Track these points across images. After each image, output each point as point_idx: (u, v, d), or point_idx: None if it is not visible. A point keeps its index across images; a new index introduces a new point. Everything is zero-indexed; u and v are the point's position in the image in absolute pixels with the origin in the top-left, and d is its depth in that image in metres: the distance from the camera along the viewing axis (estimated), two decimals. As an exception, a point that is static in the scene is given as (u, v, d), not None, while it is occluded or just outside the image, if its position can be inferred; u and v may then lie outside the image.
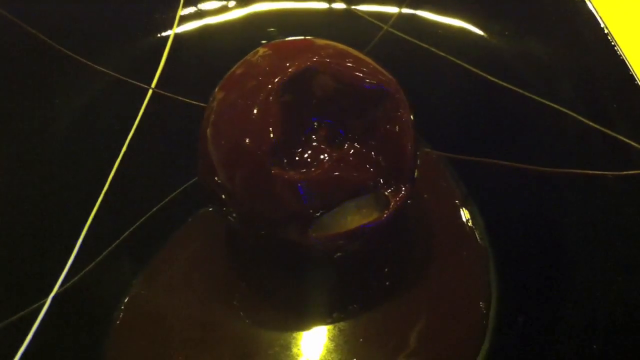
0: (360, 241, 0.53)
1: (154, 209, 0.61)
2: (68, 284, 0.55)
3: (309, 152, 0.50)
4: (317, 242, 0.50)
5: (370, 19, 0.68)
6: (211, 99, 0.52)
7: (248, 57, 0.53)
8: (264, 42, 0.56)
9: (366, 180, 0.50)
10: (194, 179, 0.61)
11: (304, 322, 0.56)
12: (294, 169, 0.49)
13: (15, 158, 0.59)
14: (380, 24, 0.67)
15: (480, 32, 0.65)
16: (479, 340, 0.54)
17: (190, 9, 0.69)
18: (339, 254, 0.55)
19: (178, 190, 0.62)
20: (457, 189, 0.62)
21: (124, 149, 0.62)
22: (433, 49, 0.65)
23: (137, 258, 0.59)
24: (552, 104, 0.59)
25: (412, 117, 0.52)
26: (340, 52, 0.52)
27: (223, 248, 0.60)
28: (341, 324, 0.56)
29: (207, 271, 0.59)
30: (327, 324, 0.56)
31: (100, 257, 0.58)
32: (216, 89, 0.52)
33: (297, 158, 0.50)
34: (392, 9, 0.68)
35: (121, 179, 0.61)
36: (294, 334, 0.55)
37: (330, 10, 0.69)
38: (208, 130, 0.51)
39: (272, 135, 0.47)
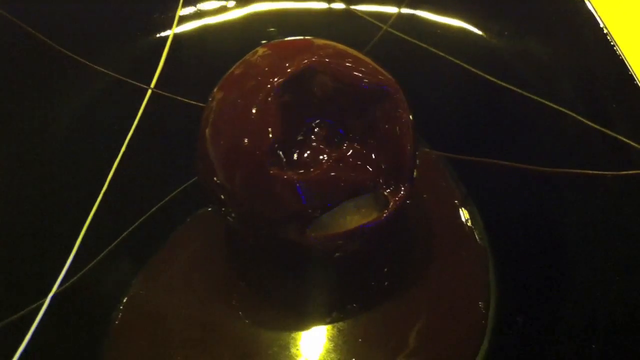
0: (359, 241, 0.53)
1: (154, 209, 0.61)
2: (67, 284, 0.55)
3: (308, 152, 0.50)
4: (317, 242, 0.50)
5: (369, 19, 0.68)
6: (210, 98, 0.52)
7: (247, 57, 0.53)
8: (264, 42, 0.56)
9: (365, 180, 0.50)
10: (193, 179, 0.61)
11: (303, 322, 0.56)
12: (293, 169, 0.49)
13: (15, 158, 0.59)
14: (380, 24, 0.67)
15: (480, 32, 0.65)
16: (478, 340, 0.54)
17: (190, 9, 0.69)
18: (338, 253, 0.55)
19: (177, 190, 0.62)
20: (457, 189, 0.62)
21: (123, 148, 0.62)
22: (432, 49, 0.65)
23: (136, 258, 0.59)
24: (552, 104, 0.59)
25: (411, 117, 0.52)
26: (339, 52, 0.52)
27: (222, 248, 0.60)
28: (340, 324, 0.56)
29: (206, 271, 0.59)
30: (326, 323, 0.56)
31: (100, 256, 0.58)
32: (215, 89, 0.52)
33: (296, 158, 0.50)
34: (392, 9, 0.68)
35: (120, 178, 0.61)
36: (294, 334, 0.55)
37: (330, 10, 0.69)
38: (207, 131, 0.51)
39: (271, 135, 0.47)
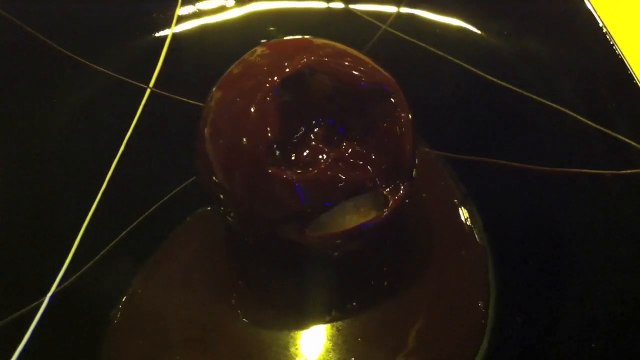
0: (358, 240, 0.53)
1: (153, 208, 0.61)
2: (66, 283, 0.55)
3: (307, 151, 0.50)
4: (316, 242, 0.50)
5: (368, 18, 0.68)
6: (209, 98, 0.52)
7: (246, 56, 0.53)
8: (263, 41, 0.57)
9: (364, 180, 0.50)
10: (192, 178, 0.61)
11: (302, 321, 0.56)
12: (292, 168, 0.49)
13: (14, 157, 0.59)
14: (379, 24, 0.67)
15: (479, 32, 0.65)
16: (478, 339, 0.54)
17: (189, 8, 0.69)
18: (337, 253, 0.55)
19: (177, 190, 0.62)
20: (456, 189, 0.62)
21: (122, 148, 0.62)
22: (432, 49, 0.65)
23: (135, 257, 0.59)
24: (551, 103, 0.59)
25: (410, 116, 0.51)
26: (338, 52, 0.52)
27: (222, 247, 0.60)
28: (340, 323, 0.56)
29: (205, 270, 0.59)
30: (325, 323, 0.56)
31: (99, 256, 0.58)
32: (214, 89, 0.52)
33: (295, 157, 0.50)
34: (391, 9, 0.68)
35: (119, 178, 0.61)
36: (293, 333, 0.55)
37: (329, 9, 0.69)
38: (206, 130, 0.51)
39: (269, 135, 0.47)
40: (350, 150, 0.51)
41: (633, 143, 0.54)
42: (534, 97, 0.60)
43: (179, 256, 0.59)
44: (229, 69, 0.53)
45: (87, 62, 0.64)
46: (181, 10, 0.69)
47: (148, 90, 0.65)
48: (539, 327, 0.52)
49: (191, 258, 0.59)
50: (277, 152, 0.48)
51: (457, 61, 0.64)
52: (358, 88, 0.50)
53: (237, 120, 0.49)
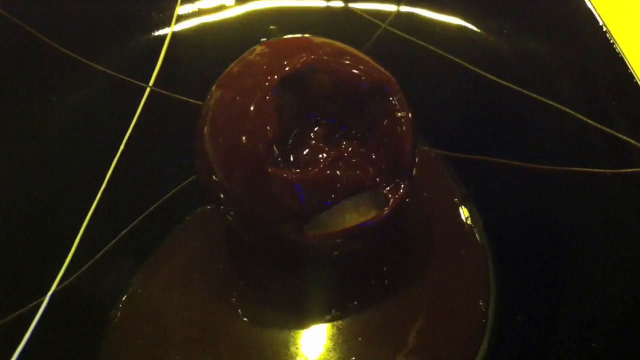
0: (358, 240, 0.53)
1: (153, 207, 0.60)
2: (66, 282, 0.55)
3: (307, 150, 0.50)
4: (315, 241, 0.50)
5: (368, 17, 0.68)
6: (208, 97, 0.52)
7: (245, 55, 0.53)
8: (263, 40, 0.57)
9: (364, 179, 0.50)
10: (192, 177, 0.61)
11: (303, 320, 0.56)
12: (292, 167, 0.49)
13: (14, 157, 0.59)
14: (379, 22, 0.67)
15: (479, 30, 0.65)
16: (478, 339, 0.54)
17: (188, 7, 0.69)
18: (337, 252, 0.55)
19: (176, 189, 0.62)
20: (456, 188, 0.62)
21: (122, 147, 0.62)
22: (431, 47, 0.65)
23: (135, 257, 0.59)
24: (551, 102, 0.59)
25: (410, 115, 0.51)
26: (338, 50, 0.52)
27: (222, 246, 0.60)
28: (340, 323, 0.55)
29: (205, 270, 0.59)
30: (326, 322, 0.56)
31: (99, 255, 0.58)
32: (213, 87, 0.52)
33: (294, 157, 0.50)
34: (390, 7, 0.68)
35: (119, 177, 0.61)
36: (293, 333, 0.55)
37: (328, 8, 0.69)
38: (205, 129, 0.51)
39: (269, 134, 0.47)
40: (350, 149, 0.51)
41: (633, 142, 0.54)
42: (534, 96, 0.60)
43: (179, 255, 0.59)
44: (229, 68, 0.53)
45: (87, 61, 0.64)
46: (181, 9, 0.69)
47: (148, 89, 0.64)
48: (539, 327, 0.52)
49: (191, 257, 0.59)
50: (277, 152, 0.48)
51: (457, 60, 0.64)
52: (358, 87, 0.50)
53: (237, 119, 0.49)
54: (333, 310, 0.56)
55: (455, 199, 0.61)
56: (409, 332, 0.55)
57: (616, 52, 0.57)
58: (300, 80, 0.49)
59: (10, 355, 0.51)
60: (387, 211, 0.50)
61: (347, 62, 0.51)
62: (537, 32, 0.63)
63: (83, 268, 0.56)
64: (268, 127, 0.47)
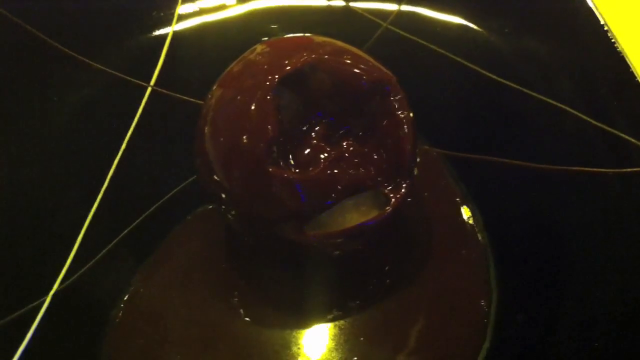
0: (359, 239, 0.53)
1: (154, 207, 0.61)
2: (68, 282, 0.55)
3: (308, 150, 0.50)
4: (316, 241, 0.50)
5: (369, 16, 0.68)
6: (209, 96, 0.52)
7: (246, 54, 0.53)
8: (265, 39, 0.56)
9: (365, 179, 0.50)
10: (193, 177, 0.61)
11: (304, 321, 0.56)
12: (292, 167, 0.49)
13: (15, 156, 0.59)
14: (380, 21, 0.67)
15: (480, 29, 0.65)
16: (480, 338, 0.54)
17: (189, 7, 0.69)
18: (338, 252, 0.55)
19: (177, 188, 0.62)
20: (457, 187, 0.62)
21: (123, 147, 0.62)
22: (432, 46, 0.65)
23: (136, 256, 0.59)
24: (552, 101, 0.58)
25: (411, 114, 0.51)
26: (338, 50, 0.52)
27: (223, 246, 0.60)
28: (342, 323, 0.55)
29: (206, 269, 0.59)
30: (327, 322, 0.55)
31: (100, 255, 0.57)
32: (214, 87, 0.52)
33: (295, 156, 0.50)
34: (392, 6, 0.68)
35: (120, 177, 0.61)
36: (294, 333, 0.55)
37: (329, 7, 0.69)
38: (205, 129, 0.51)
39: (270, 134, 0.47)
40: (350, 149, 0.51)
41: (634, 141, 0.53)
42: (535, 95, 0.60)
43: (179, 255, 0.59)
44: (229, 67, 0.53)
45: (88, 61, 0.64)
46: (182, 9, 0.69)
47: (149, 89, 0.64)
48: (539, 327, 0.52)
49: (192, 257, 0.59)
50: (277, 151, 0.48)
51: (458, 59, 0.64)
52: (358, 86, 0.50)
53: (237, 118, 0.49)
54: (334, 310, 0.56)
55: (456, 199, 0.61)
56: (410, 332, 0.55)
57: (617, 51, 0.57)
58: (300, 79, 0.49)
59: (13, 355, 0.51)
60: (388, 211, 0.50)
61: (347, 61, 0.51)
62: (538, 31, 0.63)
63: (84, 268, 0.56)
64: (268, 127, 0.47)
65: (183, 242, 0.60)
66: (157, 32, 0.67)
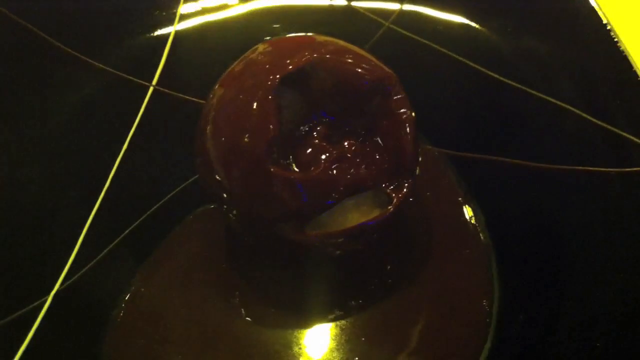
0: (360, 239, 0.53)
1: (155, 207, 0.61)
2: (69, 282, 0.55)
3: (309, 150, 0.50)
4: (317, 241, 0.50)
5: (371, 15, 0.67)
6: (210, 95, 0.52)
7: (248, 54, 0.53)
8: (267, 38, 0.56)
9: (366, 178, 0.50)
10: (194, 177, 0.61)
11: (305, 321, 0.56)
12: (293, 167, 0.49)
13: (15, 156, 0.59)
14: (381, 21, 0.67)
15: (481, 29, 0.65)
16: (482, 338, 0.53)
17: (191, 6, 0.69)
18: (339, 252, 0.54)
19: (179, 188, 0.62)
20: (459, 186, 0.62)
21: (125, 146, 0.62)
22: (434, 46, 0.65)
23: (137, 256, 0.59)
24: (554, 100, 0.58)
25: (413, 113, 0.51)
26: (340, 49, 0.52)
27: (223, 246, 0.60)
28: (343, 323, 0.55)
29: (206, 269, 0.59)
30: (328, 322, 0.55)
31: (101, 254, 0.58)
32: (215, 86, 0.52)
33: (296, 156, 0.50)
34: (394, 6, 0.68)
35: (122, 176, 0.61)
36: (295, 333, 0.55)
37: (331, 6, 0.69)
38: (208, 128, 0.50)
39: (271, 133, 0.47)
40: (352, 148, 0.51)
41: (636, 140, 0.53)
42: (537, 94, 0.59)
43: (180, 255, 0.59)
44: (231, 67, 0.53)
45: (90, 60, 0.64)
46: (183, 8, 0.69)
47: (151, 88, 0.64)
48: (540, 327, 0.51)
49: (193, 257, 0.59)
50: (279, 151, 0.48)
51: (460, 58, 0.63)
52: (360, 85, 0.50)
53: (238, 118, 0.49)
54: (335, 310, 0.56)
55: (458, 198, 0.61)
56: (412, 332, 0.55)
57: (620, 50, 0.57)
58: (302, 78, 0.49)
59: (14, 354, 0.51)
60: (390, 211, 0.50)
61: (349, 60, 0.50)
62: (539, 30, 0.63)
63: (85, 268, 0.56)
64: (270, 126, 0.47)
65: (183, 242, 0.60)
66: (159, 32, 0.67)
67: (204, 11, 0.69)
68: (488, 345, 0.53)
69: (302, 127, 0.50)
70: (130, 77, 0.64)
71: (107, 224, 0.59)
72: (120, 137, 0.62)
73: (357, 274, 0.57)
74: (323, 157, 0.49)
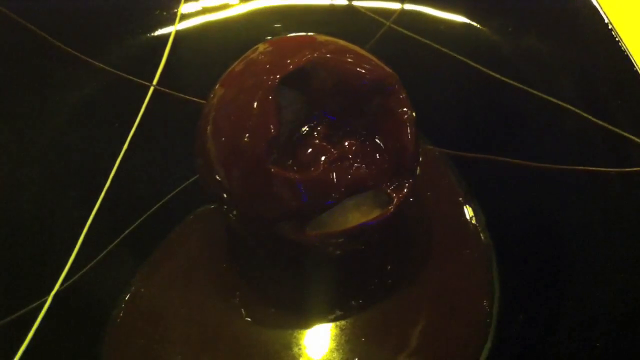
0: (360, 239, 0.53)
1: (155, 207, 0.61)
2: (69, 282, 0.55)
3: (309, 149, 0.50)
4: (317, 241, 0.50)
5: (372, 15, 0.67)
6: (211, 95, 0.52)
7: (248, 53, 0.53)
8: (268, 38, 0.56)
9: (367, 178, 0.50)
10: (194, 177, 0.61)
11: (305, 321, 0.56)
12: (294, 167, 0.49)
13: (16, 155, 0.59)
14: (383, 20, 0.67)
15: (482, 28, 0.65)
16: (483, 339, 0.53)
17: (192, 6, 0.69)
18: (339, 252, 0.54)
19: (179, 188, 0.62)
20: (459, 186, 0.62)
21: (126, 146, 0.62)
22: (435, 45, 0.65)
23: (137, 256, 0.59)
24: (555, 100, 0.58)
25: (413, 113, 0.51)
26: (341, 48, 0.52)
27: (223, 246, 0.60)
28: (343, 323, 0.55)
29: (207, 269, 0.59)
30: (328, 322, 0.55)
31: (102, 254, 0.58)
32: (216, 86, 0.52)
33: (297, 156, 0.50)
34: (395, 5, 0.68)
35: (122, 176, 0.61)
36: (295, 333, 0.55)
37: (332, 6, 0.69)
38: (208, 128, 0.50)
39: (271, 133, 0.47)
40: (352, 148, 0.50)
41: (636, 140, 0.53)
42: (538, 94, 0.59)
43: (180, 255, 0.59)
44: (231, 66, 0.53)
45: (90, 60, 0.64)
46: (184, 8, 0.69)
47: (151, 88, 0.64)
48: (540, 327, 0.51)
49: (193, 257, 0.59)
50: (279, 151, 0.48)
51: (460, 58, 0.63)
52: (361, 85, 0.50)
53: (238, 118, 0.49)
54: (336, 310, 0.56)
55: (459, 198, 0.61)
56: (413, 332, 0.55)
57: (621, 50, 0.56)
58: (302, 78, 0.49)
59: (14, 354, 0.51)
60: (390, 210, 0.50)
61: (350, 60, 0.50)
62: (540, 29, 0.63)
63: (85, 268, 0.56)
64: (270, 126, 0.47)
65: (183, 242, 0.60)
66: (159, 31, 0.67)
67: (204, 11, 0.69)
68: (488, 345, 0.53)
69: (302, 127, 0.50)
70: (131, 77, 0.64)
71: (107, 224, 0.59)
72: (120, 137, 0.62)
73: (357, 274, 0.57)
74: (323, 157, 0.49)
